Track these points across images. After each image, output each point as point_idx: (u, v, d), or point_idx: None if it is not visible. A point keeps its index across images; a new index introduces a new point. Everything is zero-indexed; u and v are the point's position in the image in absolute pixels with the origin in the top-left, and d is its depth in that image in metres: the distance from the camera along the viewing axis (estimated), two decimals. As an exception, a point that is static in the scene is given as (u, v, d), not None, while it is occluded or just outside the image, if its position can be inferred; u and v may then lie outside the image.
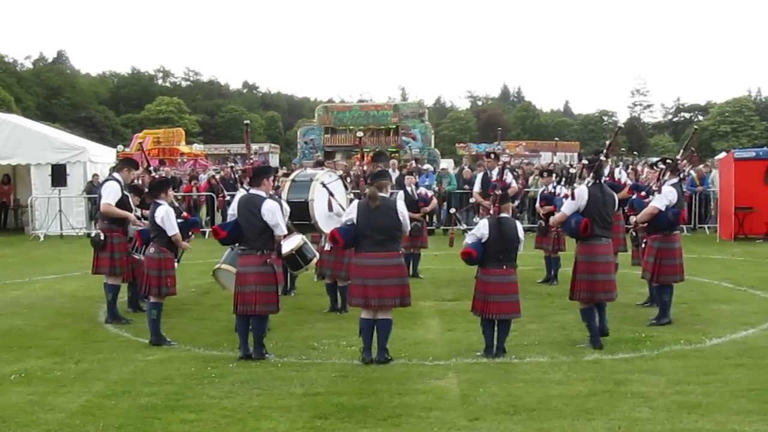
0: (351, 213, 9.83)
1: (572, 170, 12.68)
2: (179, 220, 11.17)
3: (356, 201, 10.30)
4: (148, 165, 14.48)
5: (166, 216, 10.81)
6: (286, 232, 10.27)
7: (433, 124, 67.46)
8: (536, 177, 27.45)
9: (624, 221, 14.29)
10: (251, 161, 12.49)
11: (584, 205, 10.25)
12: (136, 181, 13.83)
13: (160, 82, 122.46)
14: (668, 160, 12.39)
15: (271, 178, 10.41)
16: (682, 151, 14.26)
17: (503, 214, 9.87)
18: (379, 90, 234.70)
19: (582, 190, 10.32)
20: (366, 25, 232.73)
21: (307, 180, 12.27)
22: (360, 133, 14.14)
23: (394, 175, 23.89)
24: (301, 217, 11.85)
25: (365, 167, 11.64)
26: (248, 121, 13.49)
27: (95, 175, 26.22)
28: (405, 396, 8.32)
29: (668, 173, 11.95)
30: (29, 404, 8.20)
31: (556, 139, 36.01)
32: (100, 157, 29.00)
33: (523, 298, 10.23)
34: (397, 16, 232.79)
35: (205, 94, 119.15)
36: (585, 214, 10.21)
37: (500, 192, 10.00)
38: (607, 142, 12.06)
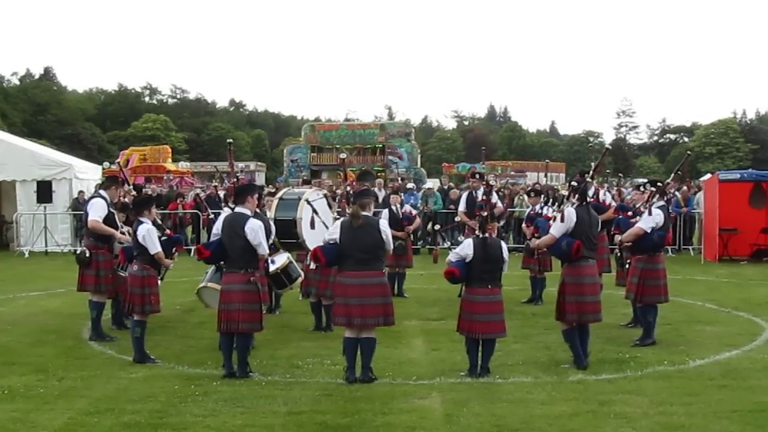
0: (334, 232, 9.85)
1: (563, 192, 12.67)
2: (163, 238, 11.17)
3: (339, 220, 10.32)
4: (127, 183, 14.42)
5: (147, 234, 10.80)
6: (268, 251, 10.27)
7: (420, 143, 67.77)
8: (521, 197, 27.53)
9: (608, 242, 14.31)
10: (234, 180, 12.48)
11: (572, 227, 10.26)
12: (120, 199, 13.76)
13: (146, 99, 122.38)
14: (658, 183, 12.42)
15: (255, 195, 10.41)
16: (673, 174, 14.35)
17: (489, 234, 9.88)
18: (366, 109, 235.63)
19: (570, 212, 10.32)
20: (353, 43, 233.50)
21: (295, 198, 12.29)
22: (343, 155, 14.15)
23: (381, 194, 24.00)
24: (288, 235, 11.86)
25: (349, 188, 11.64)
26: (231, 140, 13.51)
27: (81, 192, 26.10)
28: (389, 415, 8.31)
29: (657, 196, 11.98)
30: (12, 421, 8.17)
31: (547, 161, 36.06)
32: (86, 174, 28.86)
33: (507, 318, 10.22)
34: (383, 35, 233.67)
35: (191, 111, 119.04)
36: (573, 236, 10.19)
37: (487, 213, 10.03)
38: (593, 164, 12.10)
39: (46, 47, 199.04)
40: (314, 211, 12.08)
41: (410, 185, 30.28)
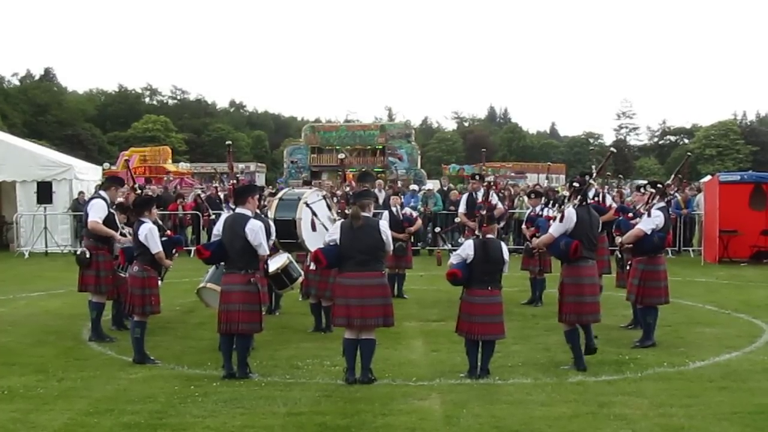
0: (334, 233, 9.84)
1: (564, 192, 12.67)
2: (163, 239, 11.17)
3: (339, 221, 10.32)
4: (134, 183, 14.42)
5: (149, 234, 10.81)
6: (268, 252, 10.27)
7: (420, 144, 67.72)
8: (521, 198, 27.52)
9: (609, 243, 14.31)
10: (234, 181, 12.48)
11: (572, 227, 10.27)
12: (121, 198, 13.76)
13: (147, 100, 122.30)
14: (658, 185, 12.42)
15: (256, 196, 10.43)
16: (673, 176, 14.35)
17: (488, 235, 9.88)
18: (366, 110, 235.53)
19: (570, 212, 10.33)
20: (353, 44, 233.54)
21: (295, 199, 12.28)
22: (342, 155, 14.14)
23: (381, 195, 23.98)
24: (288, 235, 11.85)
25: (348, 189, 11.64)
26: (230, 142, 13.52)
27: (81, 193, 26.10)
28: (388, 416, 8.31)
29: (657, 197, 11.98)
30: (12, 422, 8.17)
31: (549, 163, 36.17)
32: (86, 174, 28.87)
33: (507, 320, 10.23)
34: (384, 36, 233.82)
35: (192, 112, 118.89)
36: (573, 236, 10.20)
37: (486, 213, 10.02)
38: (593, 166, 12.10)
39: (46, 48, 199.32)
40: (313, 213, 12.06)
41: (413, 186, 30.25)
